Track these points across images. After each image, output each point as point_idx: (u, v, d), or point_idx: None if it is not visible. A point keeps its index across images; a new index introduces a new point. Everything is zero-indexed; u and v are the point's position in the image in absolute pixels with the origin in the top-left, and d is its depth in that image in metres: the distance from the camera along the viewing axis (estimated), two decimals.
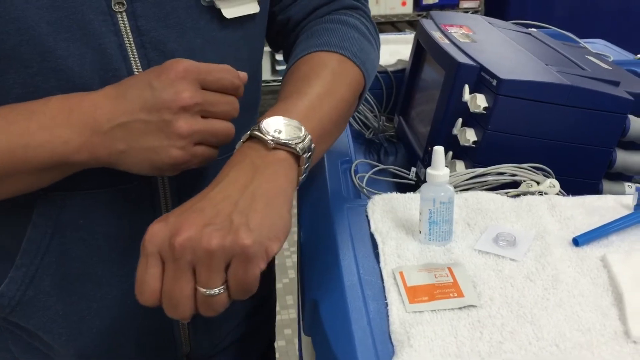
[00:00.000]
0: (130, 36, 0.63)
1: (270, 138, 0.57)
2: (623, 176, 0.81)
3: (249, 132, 0.59)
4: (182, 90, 0.57)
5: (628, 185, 0.80)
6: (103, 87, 0.60)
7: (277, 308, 2.36)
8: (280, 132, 0.58)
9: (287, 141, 0.58)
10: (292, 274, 2.47)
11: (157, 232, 0.52)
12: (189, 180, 0.68)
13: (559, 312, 0.53)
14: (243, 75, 0.62)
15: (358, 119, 1.06)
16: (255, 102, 0.77)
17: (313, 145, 0.60)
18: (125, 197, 0.67)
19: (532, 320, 0.53)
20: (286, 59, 0.80)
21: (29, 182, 0.61)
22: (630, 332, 0.51)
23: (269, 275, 0.89)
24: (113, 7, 0.61)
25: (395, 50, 1.18)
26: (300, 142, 0.58)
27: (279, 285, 2.40)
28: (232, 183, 0.55)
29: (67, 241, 0.67)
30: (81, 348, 0.72)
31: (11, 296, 0.68)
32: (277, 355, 2.18)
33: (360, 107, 1.05)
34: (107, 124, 0.57)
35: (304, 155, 0.59)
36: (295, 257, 2.49)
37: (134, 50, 0.63)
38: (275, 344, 2.22)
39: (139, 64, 0.64)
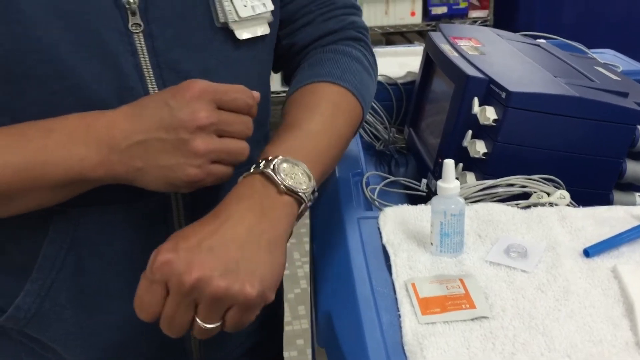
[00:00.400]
0: (146, 56, 0.64)
1: (283, 184, 0.61)
2: (634, 187, 0.81)
3: (260, 168, 0.62)
4: (199, 109, 0.58)
5: (639, 196, 0.81)
6: (120, 106, 0.61)
7: (289, 318, 2.37)
8: (291, 177, 0.62)
9: (297, 190, 0.61)
10: (304, 284, 2.48)
11: (167, 263, 0.55)
12: (202, 197, 0.69)
13: (571, 323, 0.54)
14: (256, 95, 0.63)
15: (369, 131, 1.07)
16: (265, 118, 0.79)
17: (316, 192, 0.65)
18: (140, 213, 0.68)
19: (543, 332, 0.53)
20: (287, 81, 0.82)
21: (45, 198, 0.62)
22: None
23: (278, 288, 0.90)
24: (130, 28, 0.63)
25: (404, 62, 1.19)
26: (307, 191, 0.62)
27: (290, 296, 2.41)
28: (240, 222, 0.58)
29: (82, 256, 0.68)
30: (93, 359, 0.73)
31: (27, 309, 0.69)
32: None
33: (370, 119, 1.07)
34: (125, 141, 0.58)
35: (308, 204, 0.63)
36: (307, 267, 2.50)
37: (150, 70, 0.64)
38: (287, 354, 2.23)
39: (154, 84, 0.65)
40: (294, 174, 0.62)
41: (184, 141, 0.58)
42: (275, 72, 0.84)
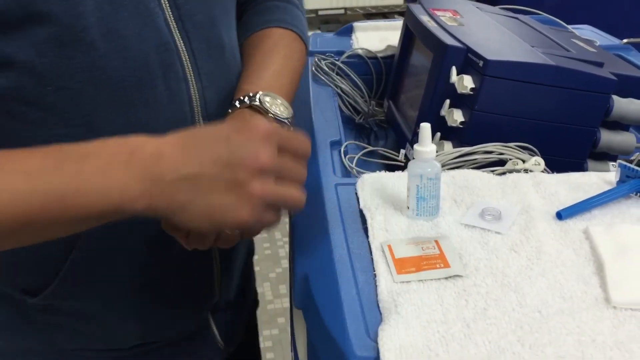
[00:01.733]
0: (169, 10, 0.66)
1: (272, 114, 0.69)
2: (608, 156, 0.83)
3: (246, 102, 0.69)
4: (263, 151, 0.55)
5: (612, 165, 0.82)
6: (159, 61, 0.64)
7: (271, 297, 2.38)
8: (274, 107, 0.70)
9: (281, 117, 0.70)
10: (285, 263, 2.49)
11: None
12: None
13: (542, 280, 0.55)
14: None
15: (348, 104, 1.07)
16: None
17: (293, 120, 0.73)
18: None
19: (515, 289, 0.54)
20: None
21: (68, 230, 0.58)
22: (610, 298, 0.52)
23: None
24: None
25: (384, 36, 1.19)
26: (289, 117, 0.71)
27: (271, 275, 2.42)
28: None
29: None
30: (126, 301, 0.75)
31: (63, 277, 0.70)
32: (270, 344, 2.20)
33: (350, 92, 1.07)
34: (172, 174, 0.53)
35: (291, 128, 0.72)
36: (287, 247, 2.51)
37: (174, 23, 0.66)
38: (269, 332, 2.24)
39: (179, 36, 0.67)
40: (275, 105, 0.71)
41: (242, 182, 0.54)
42: None
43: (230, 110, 0.70)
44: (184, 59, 0.68)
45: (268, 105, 0.69)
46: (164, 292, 0.77)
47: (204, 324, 0.85)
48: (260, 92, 0.70)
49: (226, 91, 0.73)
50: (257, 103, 0.69)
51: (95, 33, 0.59)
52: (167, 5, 0.66)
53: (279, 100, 0.71)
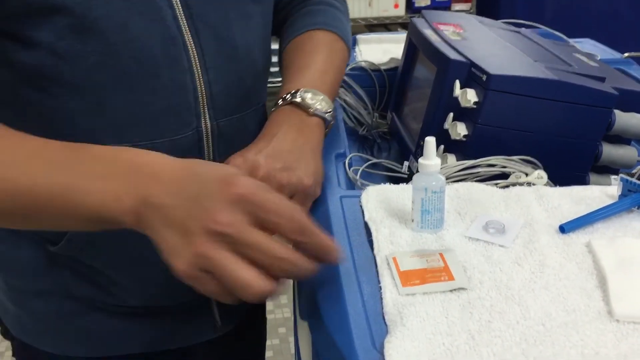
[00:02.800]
0: (180, 8, 0.71)
1: (312, 109, 0.76)
2: (610, 169, 0.83)
3: (288, 99, 0.76)
4: (224, 213, 0.51)
5: (614, 178, 0.83)
6: (165, 55, 0.69)
7: (271, 307, 2.38)
8: (315, 102, 0.76)
9: (322, 112, 0.77)
10: None
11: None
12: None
13: (545, 294, 0.56)
14: (330, 240, 0.56)
15: (352, 116, 1.08)
16: (268, 65, 0.86)
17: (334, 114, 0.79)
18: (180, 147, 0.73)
19: (519, 302, 0.55)
20: (274, 33, 0.93)
21: (68, 225, 0.65)
22: (613, 312, 0.53)
23: None
24: None
25: (387, 49, 1.20)
26: (329, 112, 0.78)
27: None
28: (284, 138, 0.73)
29: None
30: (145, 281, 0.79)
31: (79, 239, 0.74)
32: (271, 354, 2.20)
33: (354, 104, 1.08)
34: (156, 198, 0.55)
35: (332, 122, 0.79)
36: None
37: (184, 21, 0.71)
38: (270, 342, 2.23)
39: (189, 33, 0.71)
40: (317, 100, 0.77)
41: (192, 231, 0.52)
42: None
43: (272, 109, 0.77)
44: (190, 54, 0.72)
45: (310, 101, 0.75)
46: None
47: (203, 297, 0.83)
48: (302, 89, 0.76)
49: (236, 86, 0.78)
50: (298, 100, 0.75)
51: (104, 24, 0.65)
52: (178, 3, 0.70)
53: (320, 96, 0.77)
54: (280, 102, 0.77)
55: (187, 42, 0.72)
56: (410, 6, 3.32)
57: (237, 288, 0.51)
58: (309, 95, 0.76)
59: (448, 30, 0.94)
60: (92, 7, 0.65)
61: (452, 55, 0.83)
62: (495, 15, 1.14)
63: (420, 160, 0.64)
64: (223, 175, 0.54)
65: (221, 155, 0.76)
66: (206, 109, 0.75)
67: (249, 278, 0.51)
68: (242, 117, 0.80)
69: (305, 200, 0.71)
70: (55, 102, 0.69)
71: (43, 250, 0.77)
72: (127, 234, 0.71)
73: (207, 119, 0.75)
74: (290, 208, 0.54)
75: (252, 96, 0.82)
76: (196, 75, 0.73)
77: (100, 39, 0.66)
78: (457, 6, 3.25)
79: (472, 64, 0.80)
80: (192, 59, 0.72)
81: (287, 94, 0.77)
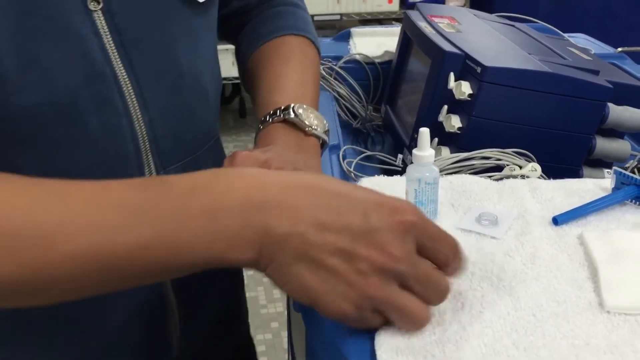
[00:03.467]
0: (109, 36, 0.58)
1: (309, 128, 0.66)
2: (603, 163, 0.84)
3: (281, 116, 0.65)
4: (400, 245, 0.45)
5: (607, 172, 0.83)
6: (91, 95, 0.57)
7: (264, 302, 2.37)
8: (312, 120, 0.66)
9: (320, 133, 0.67)
10: None
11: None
12: None
13: (537, 285, 0.56)
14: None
15: (346, 109, 1.08)
16: (219, 89, 0.76)
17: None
18: None
19: (510, 293, 0.55)
20: (225, 38, 0.83)
21: (145, 281, 0.48)
22: (604, 303, 0.53)
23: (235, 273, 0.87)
24: (89, 6, 0.57)
25: (382, 42, 1.20)
26: (325, 130, 0.68)
27: (265, 279, 2.41)
28: (284, 153, 0.61)
29: None
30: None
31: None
32: (263, 348, 2.20)
33: (347, 97, 1.08)
34: (281, 227, 0.45)
35: (327, 144, 0.69)
36: None
37: (114, 50, 0.59)
38: (262, 337, 2.23)
39: (120, 65, 0.59)
40: (309, 117, 0.66)
41: (360, 271, 0.45)
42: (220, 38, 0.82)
43: (261, 127, 0.65)
44: (125, 91, 0.60)
45: (305, 120, 0.65)
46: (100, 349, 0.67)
47: None
48: (293, 104, 0.66)
49: (185, 124, 0.66)
50: (293, 116, 0.65)
51: (6, 66, 0.52)
52: (106, 29, 0.58)
53: (311, 113, 0.67)
54: (268, 118, 0.65)
55: (119, 77, 0.59)
56: (404, 2, 3.32)
57: (406, 322, 0.48)
58: (301, 112, 0.65)
59: (443, 23, 0.94)
60: None
61: (447, 47, 0.83)
62: (489, 10, 1.14)
63: (414, 151, 0.64)
64: (379, 199, 0.46)
65: None
66: (150, 156, 0.63)
67: (419, 312, 0.48)
68: (195, 158, 0.69)
69: None
70: None
71: None
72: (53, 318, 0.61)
73: (153, 169, 0.64)
74: (447, 233, 0.49)
75: (205, 131, 0.71)
76: (134, 117, 0.61)
77: (1, 86, 0.52)
78: (451, 2, 3.26)
79: (467, 56, 0.80)
80: (127, 97, 0.60)
81: (276, 110, 0.66)
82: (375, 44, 1.20)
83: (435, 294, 0.48)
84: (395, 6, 3.33)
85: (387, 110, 1.06)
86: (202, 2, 0.65)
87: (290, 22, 0.78)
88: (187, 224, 0.44)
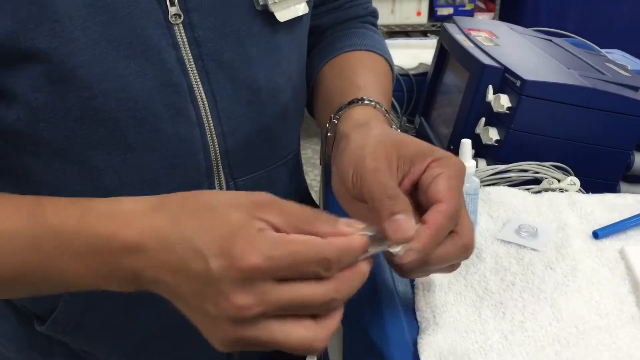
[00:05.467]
0: (187, 48, 0.60)
1: (394, 125, 0.64)
2: None
3: (367, 102, 0.64)
4: (241, 295, 0.42)
5: None
6: (163, 111, 0.59)
7: None
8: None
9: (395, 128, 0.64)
10: None
11: None
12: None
13: (578, 297, 0.56)
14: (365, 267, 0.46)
15: None
16: (302, 106, 0.77)
17: None
18: None
19: (552, 304, 0.55)
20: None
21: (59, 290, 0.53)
22: None
23: None
24: (170, 19, 0.58)
25: (416, 54, 1.21)
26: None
27: None
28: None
29: None
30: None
31: (66, 322, 0.67)
32: None
33: None
34: (148, 272, 0.46)
35: None
36: None
37: (192, 63, 0.60)
38: None
39: (197, 77, 0.60)
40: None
41: (212, 317, 0.44)
42: None
43: (334, 121, 0.63)
44: (199, 102, 0.61)
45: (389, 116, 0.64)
46: (163, 351, 0.71)
47: None
48: (376, 100, 0.64)
49: (258, 138, 0.66)
50: (376, 105, 0.64)
51: (86, 72, 0.55)
52: (185, 42, 0.59)
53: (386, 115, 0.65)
54: (360, 101, 0.64)
55: (195, 88, 0.61)
56: (432, 14, 3.33)
57: (293, 351, 0.44)
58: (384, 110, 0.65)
59: (480, 36, 0.95)
60: (70, 53, 0.54)
61: (486, 60, 0.83)
62: (517, 24, 1.14)
63: None
64: (223, 244, 0.43)
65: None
66: (220, 167, 0.64)
67: (301, 338, 0.43)
68: (267, 173, 0.69)
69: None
70: (35, 163, 0.59)
71: (30, 327, 0.70)
72: (122, 319, 0.67)
73: (222, 179, 0.65)
74: (313, 245, 0.43)
75: (280, 147, 0.71)
76: (206, 127, 0.62)
77: (80, 91, 0.55)
78: (479, 15, 3.26)
79: (506, 69, 0.81)
80: (201, 108, 0.61)
81: (362, 98, 0.64)
82: (410, 56, 1.21)
83: (317, 310, 0.44)
84: (423, 19, 3.34)
85: (421, 121, 1.06)
86: (284, 21, 0.65)
87: (368, 41, 0.78)
88: (59, 264, 0.48)
